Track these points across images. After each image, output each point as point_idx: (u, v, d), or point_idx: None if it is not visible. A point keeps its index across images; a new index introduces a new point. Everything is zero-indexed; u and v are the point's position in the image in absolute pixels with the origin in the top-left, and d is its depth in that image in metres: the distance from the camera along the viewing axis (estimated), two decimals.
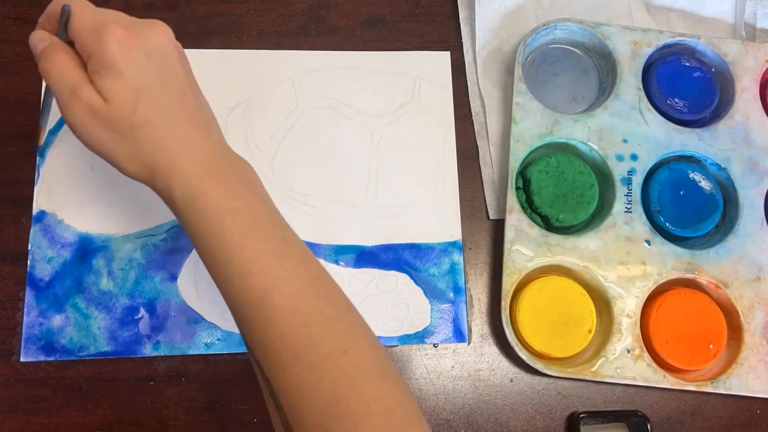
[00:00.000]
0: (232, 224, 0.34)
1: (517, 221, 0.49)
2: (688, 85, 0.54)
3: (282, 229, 0.36)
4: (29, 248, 0.48)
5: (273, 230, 0.35)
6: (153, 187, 0.36)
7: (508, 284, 0.48)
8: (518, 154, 0.51)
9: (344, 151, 0.52)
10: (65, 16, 0.35)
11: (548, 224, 0.51)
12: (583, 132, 0.52)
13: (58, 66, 0.35)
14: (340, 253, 0.50)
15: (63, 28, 0.36)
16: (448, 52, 0.55)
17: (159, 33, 0.36)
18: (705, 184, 0.52)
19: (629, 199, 0.51)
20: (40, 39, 0.36)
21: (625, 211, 0.50)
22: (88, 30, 0.35)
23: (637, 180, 0.51)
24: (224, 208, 0.34)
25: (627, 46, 0.54)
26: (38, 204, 0.49)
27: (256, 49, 0.54)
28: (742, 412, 0.50)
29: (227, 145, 0.37)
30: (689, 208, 0.51)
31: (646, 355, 0.48)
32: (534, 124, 0.52)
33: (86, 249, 0.48)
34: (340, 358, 0.32)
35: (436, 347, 0.49)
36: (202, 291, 0.48)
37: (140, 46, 0.35)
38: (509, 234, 0.49)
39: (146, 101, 0.34)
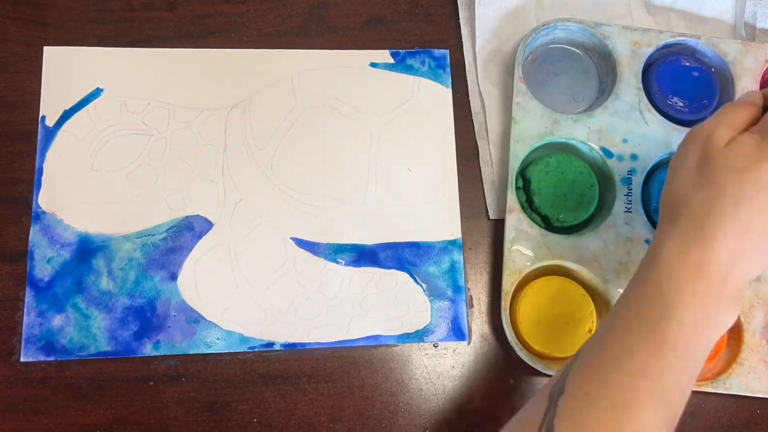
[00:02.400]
0: (685, 332, 0.32)
1: (517, 221, 0.49)
2: (688, 85, 0.54)
3: None
4: (29, 248, 0.48)
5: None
6: (663, 218, 0.36)
7: (508, 284, 0.48)
8: (518, 154, 0.51)
9: (343, 150, 0.52)
10: None
11: (548, 224, 0.51)
12: (583, 132, 0.52)
13: (739, 110, 0.38)
14: (340, 252, 0.50)
15: None
16: (448, 51, 0.55)
17: None
18: None
19: (629, 199, 0.51)
20: (754, 94, 0.40)
21: (625, 211, 0.50)
22: None
23: (637, 180, 0.51)
24: (694, 318, 0.32)
25: (627, 46, 0.54)
26: (38, 204, 0.49)
27: (256, 48, 0.54)
28: (742, 412, 0.50)
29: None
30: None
31: None
32: (534, 124, 0.52)
33: (86, 249, 0.48)
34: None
35: (436, 347, 0.49)
36: (202, 291, 0.48)
37: None
38: (509, 234, 0.49)
39: (735, 205, 0.32)
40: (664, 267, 0.32)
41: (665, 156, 0.52)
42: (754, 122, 0.37)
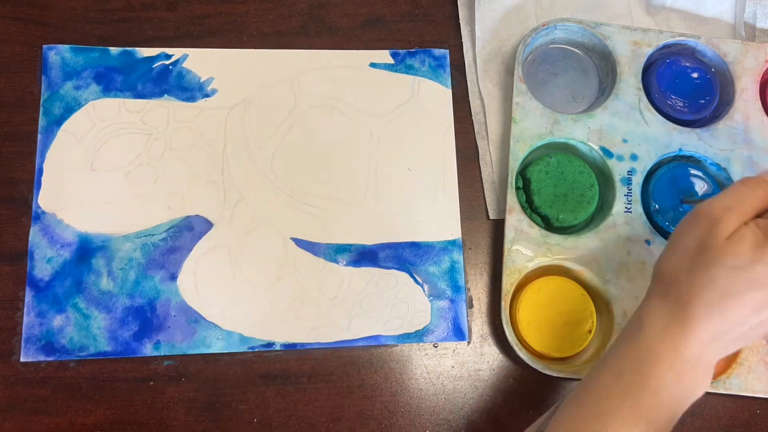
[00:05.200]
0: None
1: (517, 221, 0.49)
2: (688, 85, 0.54)
3: None
4: (29, 248, 0.48)
5: None
6: (654, 288, 0.37)
7: (508, 284, 0.48)
8: (518, 154, 0.51)
9: (344, 150, 0.52)
10: None
11: (548, 224, 0.51)
12: (583, 132, 0.52)
13: (751, 194, 0.35)
14: (340, 251, 0.50)
15: None
16: (448, 51, 0.55)
17: None
18: (705, 185, 0.52)
19: (629, 199, 0.51)
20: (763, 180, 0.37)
21: (625, 211, 0.50)
22: None
23: (637, 180, 0.51)
24: (669, 389, 0.34)
25: (627, 46, 0.54)
26: (38, 204, 0.49)
27: (256, 48, 0.54)
28: (742, 412, 0.50)
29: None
30: (689, 208, 0.51)
31: None
32: (534, 124, 0.52)
33: (86, 249, 0.48)
34: None
35: (436, 347, 0.49)
36: (202, 291, 0.48)
37: None
38: (509, 234, 0.49)
39: (722, 299, 0.34)
40: (645, 339, 0.35)
41: (665, 156, 0.52)
42: (765, 206, 0.36)
